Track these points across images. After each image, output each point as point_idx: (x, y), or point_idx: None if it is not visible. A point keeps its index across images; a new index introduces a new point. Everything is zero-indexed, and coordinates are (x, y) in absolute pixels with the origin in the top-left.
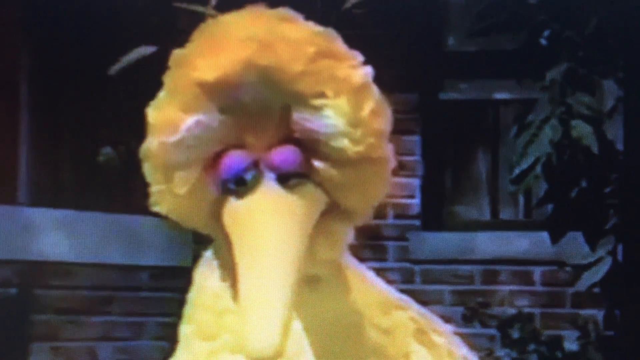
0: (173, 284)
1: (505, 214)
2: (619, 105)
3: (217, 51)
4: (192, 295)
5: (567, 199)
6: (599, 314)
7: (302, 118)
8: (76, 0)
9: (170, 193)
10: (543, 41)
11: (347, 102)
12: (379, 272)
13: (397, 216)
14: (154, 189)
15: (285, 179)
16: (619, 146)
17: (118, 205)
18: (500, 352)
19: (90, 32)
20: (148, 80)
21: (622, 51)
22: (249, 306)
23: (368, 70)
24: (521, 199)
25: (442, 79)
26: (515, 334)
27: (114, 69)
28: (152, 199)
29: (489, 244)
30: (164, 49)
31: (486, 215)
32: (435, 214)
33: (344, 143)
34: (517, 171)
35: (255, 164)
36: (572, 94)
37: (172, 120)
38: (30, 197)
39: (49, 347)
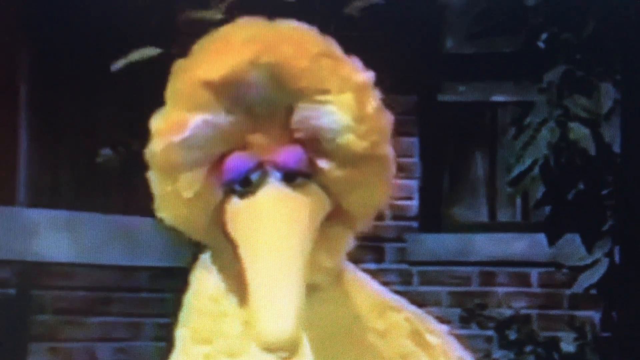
0: (172, 285)
1: (502, 216)
2: (616, 107)
3: (221, 53)
4: (188, 299)
5: (564, 201)
6: (595, 315)
7: (306, 116)
8: (76, 0)
9: (176, 196)
10: (541, 44)
11: (351, 98)
12: (377, 273)
13: (395, 217)
14: (159, 194)
15: (290, 178)
16: (616, 148)
17: (117, 206)
18: (498, 354)
19: (90, 32)
20: (148, 81)
21: (620, 54)
22: (262, 300)
23: (369, 73)
24: (518, 201)
25: (440, 81)
26: (512, 336)
27: (117, 64)
28: (157, 205)
29: (486, 245)
30: (165, 49)
31: (484, 217)
32: (433, 215)
33: (350, 139)
34: (514, 173)
35: (260, 164)
36: (570, 97)
37: (178, 120)
38: (29, 198)
39: (47, 348)
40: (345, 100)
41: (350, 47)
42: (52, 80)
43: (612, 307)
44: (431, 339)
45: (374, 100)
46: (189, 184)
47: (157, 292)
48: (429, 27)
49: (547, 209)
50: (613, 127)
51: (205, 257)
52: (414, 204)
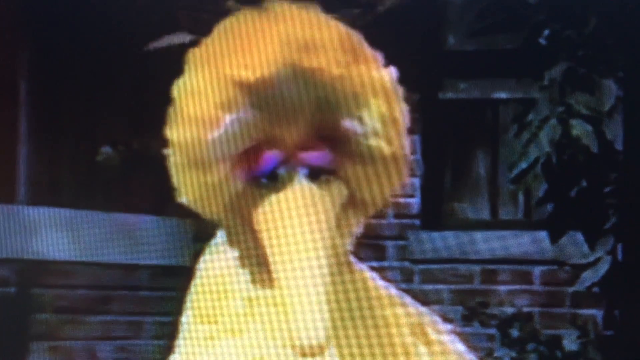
0: (172, 283)
1: (504, 214)
2: (619, 104)
3: (255, 50)
4: (194, 283)
5: (566, 199)
6: (598, 313)
7: (337, 118)
8: (76, 0)
9: (198, 183)
10: (542, 41)
11: (381, 103)
12: (379, 271)
13: (397, 215)
14: (180, 177)
15: (315, 175)
16: (619, 146)
17: (117, 204)
18: (500, 352)
19: (90, 32)
20: (147, 80)
21: (622, 51)
22: (294, 302)
23: (393, 71)
24: (521, 199)
25: (442, 79)
26: (514, 334)
27: (150, 46)
28: (179, 190)
29: (488, 243)
30: (164, 50)
31: (486, 215)
32: (435, 213)
33: (378, 143)
34: (516, 170)
35: (287, 160)
36: (572, 94)
37: (211, 117)
38: (30, 196)
39: (48, 346)
40: (376, 105)
41: None
42: (52, 78)
43: (615, 305)
44: (433, 335)
45: (401, 103)
46: (216, 175)
47: (158, 291)
48: (430, 25)
49: (550, 206)
50: (615, 124)
51: (214, 242)
52: (415, 201)
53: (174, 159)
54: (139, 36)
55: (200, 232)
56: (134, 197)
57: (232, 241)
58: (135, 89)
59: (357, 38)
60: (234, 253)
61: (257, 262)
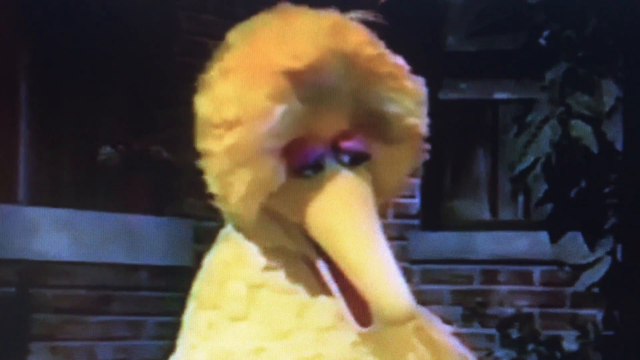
0: (173, 284)
1: (504, 214)
2: (618, 105)
3: (299, 41)
4: (200, 273)
5: (566, 199)
6: (598, 313)
7: (374, 103)
8: (76, 0)
9: (247, 184)
10: (542, 41)
11: (412, 83)
12: None
13: (397, 215)
14: (225, 185)
15: (357, 162)
16: (619, 146)
17: (118, 204)
18: (500, 352)
19: (90, 32)
20: (148, 81)
21: (622, 51)
22: (379, 280)
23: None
24: (520, 199)
25: (442, 79)
26: (514, 334)
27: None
28: (220, 196)
29: (488, 243)
30: (163, 49)
31: (485, 215)
32: (435, 213)
33: (414, 122)
34: (516, 171)
35: (329, 150)
36: (572, 94)
37: (263, 109)
38: (30, 196)
39: (48, 347)
40: (408, 85)
41: None
42: (52, 79)
43: (615, 305)
44: (434, 336)
45: (422, 83)
46: (264, 169)
47: (158, 291)
48: (430, 25)
49: (549, 207)
50: (615, 125)
51: (222, 233)
52: (415, 201)
53: (216, 166)
54: (139, 36)
55: (200, 232)
56: (134, 197)
57: (258, 238)
58: (135, 89)
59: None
60: (242, 242)
61: (289, 256)
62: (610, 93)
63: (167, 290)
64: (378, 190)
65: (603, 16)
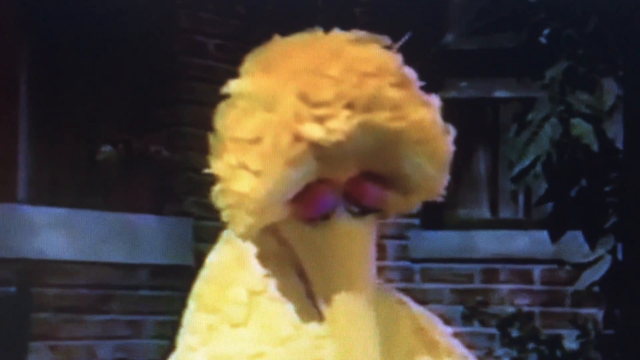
0: (173, 283)
1: (505, 213)
2: (619, 103)
3: (318, 97)
4: (201, 273)
5: (567, 198)
6: (598, 312)
7: (396, 160)
8: (76, 0)
9: (252, 224)
10: (543, 39)
11: (440, 144)
12: (379, 271)
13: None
14: (234, 219)
15: (365, 212)
16: (619, 145)
17: (117, 203)
18: (500, 351)
19: (90, 32)
20: (148, 80)
21: (622, 50)
22: (343, 330)
23: (436, 101)
24: (521, 198)
25: (442, 77)
26: (514, 333)
27: None
28: (230, 221)
29: (488, 242)
30: (163, 48)
31: (486, 214)
32: (435, 212)
33: (431, 185)
34: (517, 170)
35: (339, 199)
36: (572, 93)
37: (280, 175)
38: (30, 195)
39: (48, 346)
40: (436, 149)
41: None
42: (52, 78)
43: (615, 304)
44: (435, 337)
45: (448, 142)
46: (269, 216)
47: (158, 290)
48: (430, 23)
49: (550, 205)
50: (616, 123)
51: (224, 235)
52: None
53: (228, 205)
54: (139, 36)
55: (200, 231)
56: (133, 196)
57: (264, 262)
58: (135, 89)
59: (410, 77)
60: (245, 246)
61: (292, 271)
62: (610, 91)
63: (167, 290)
64: (383, 216)
65: (603, 14)
